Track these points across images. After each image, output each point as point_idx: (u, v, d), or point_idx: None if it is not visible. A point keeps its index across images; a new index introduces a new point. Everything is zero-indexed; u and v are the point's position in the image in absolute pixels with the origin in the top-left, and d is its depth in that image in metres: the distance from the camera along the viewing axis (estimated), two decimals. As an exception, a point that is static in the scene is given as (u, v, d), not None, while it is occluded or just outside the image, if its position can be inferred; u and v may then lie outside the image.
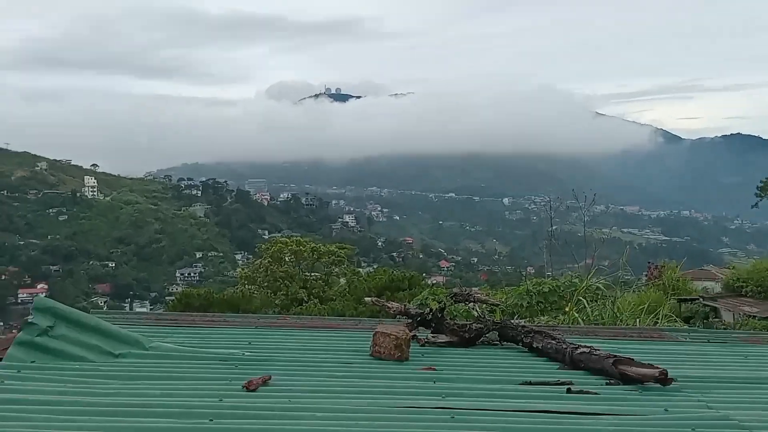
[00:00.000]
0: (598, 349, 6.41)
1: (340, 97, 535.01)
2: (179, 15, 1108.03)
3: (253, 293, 42.59)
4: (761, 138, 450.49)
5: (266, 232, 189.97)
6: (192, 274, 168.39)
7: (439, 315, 7.75)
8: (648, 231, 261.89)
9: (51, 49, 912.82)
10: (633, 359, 6.00)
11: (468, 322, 7.71)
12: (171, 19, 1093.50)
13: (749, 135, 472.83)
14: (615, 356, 6.07)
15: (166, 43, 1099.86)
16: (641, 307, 14.18)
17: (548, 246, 18.09)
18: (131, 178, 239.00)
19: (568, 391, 5.44)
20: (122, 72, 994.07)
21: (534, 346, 7.13)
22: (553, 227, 18.03)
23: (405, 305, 8.65)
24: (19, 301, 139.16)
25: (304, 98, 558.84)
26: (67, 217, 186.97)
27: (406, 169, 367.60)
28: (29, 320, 5.97)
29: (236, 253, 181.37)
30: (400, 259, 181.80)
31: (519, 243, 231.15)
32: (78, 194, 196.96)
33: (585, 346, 6.54)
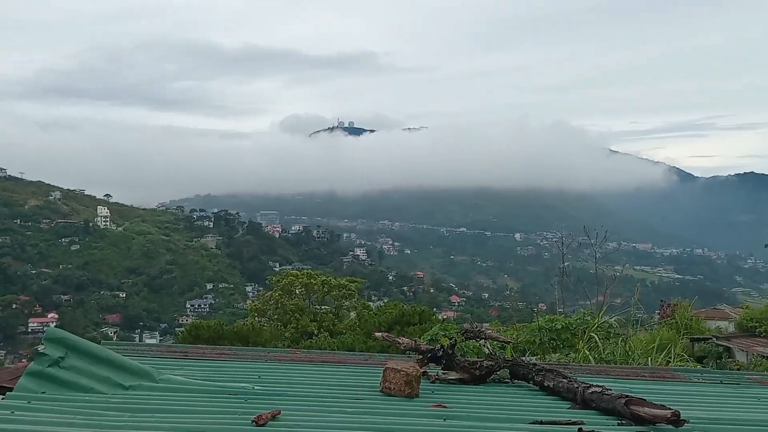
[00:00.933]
0: (610, 389, 6.37)
1: (354, 130, 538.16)
2: (193, 48, 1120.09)
3: (263, 326, 42.48)
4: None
5: (277, 265, 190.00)
6: (202, 306, 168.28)
7: (450, 351, 7.72)
8: (661, 269, 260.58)
9: (66, 79, 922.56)
10: (645, 400, 5.95)
11: (479, 359, 7.68)
12: (185, 52, 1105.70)
13: (762, 174, 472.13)
14: (627, 396, 6.02)
15: (181, 76, 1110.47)
16: (653, 345, 14.08)
17: (560, 282, 17.99)
18: (144, 209, 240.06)
19: (580, 431, 5.40)
20: (136, 103, 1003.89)
21: (545, 384, 7.09)
22: (565, 264, 17.92)
23: (415, 341, 8.63)
24: (30, 330, 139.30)
25: (318, 131, 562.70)
26: (79, 246, 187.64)
27: (418, 203, 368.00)
28: (41, 350, 5.98)
29: (247, 285, 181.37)
30: (411, 294, 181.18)
31: (530, 279, 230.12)
32: (90, 224, 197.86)
33: (597, 386, 6.49)
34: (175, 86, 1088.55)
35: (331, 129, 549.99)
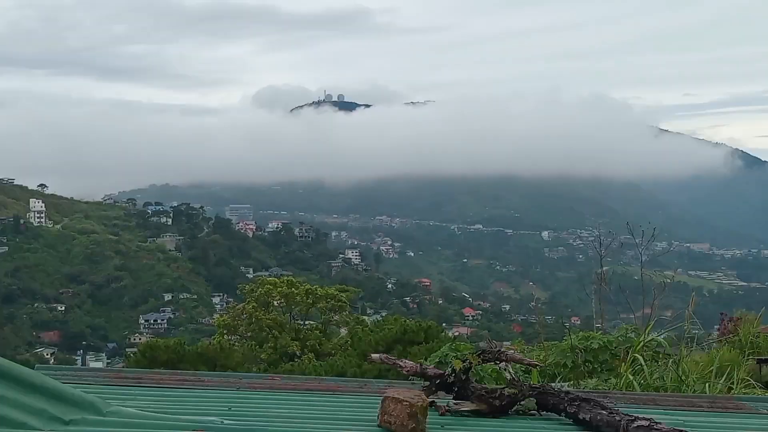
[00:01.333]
0: (660, 423, 6.38)
1: (345, 105, 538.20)
2: (149, 4, 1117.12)
3: (234, 345, 42.57)
4: None
5: (251, 270, 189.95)
6: (159, 321, 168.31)
7: (463, 377, 7.73)
8: (721, 274, 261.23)
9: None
10: (702, 435, 5.96)
11: (498, 387, 7.69)
12: (138, 10, 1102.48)
13: None
14: (680, 431, 6.03)
15: (133, 39, 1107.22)
16: (712, 368, 14.07)
17: (597, 291, 17.96)
18: (87, 202, 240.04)
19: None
20: (79, 73, 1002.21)
21: (580, 417, 7.10)
22: (604, 268, 17.89)
23: (421, 364, 8.64)
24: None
25: (301, 106, 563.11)
26: (7, 248, 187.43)
27: (424, 195, 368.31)
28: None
29: (213, 296, 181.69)
30: (415, 306, 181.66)
31: (561, 287, 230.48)
32: (22, 221, 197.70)
33: (643, 418, 6.51)
34: (126, 51, 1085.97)
35: (317, 103, 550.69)
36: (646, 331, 14.92)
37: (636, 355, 14.23)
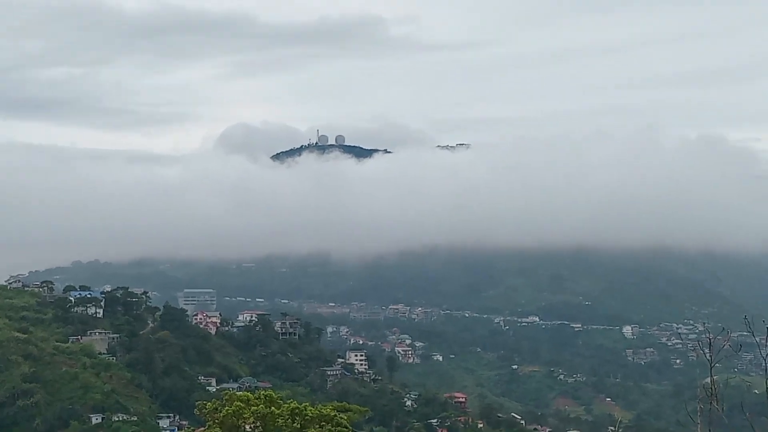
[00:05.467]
0: None
1: (351, 150, 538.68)
2: (73, 11, 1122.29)
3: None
4: None
5: (213, 381, 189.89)
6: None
7: None
8: None
9: None
10: None
11: None
12: (58, 19, 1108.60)
13: None
14: None
15: (51, 59, 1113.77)
16: None
17: (703, 411, 17.76)
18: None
19: None
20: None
21: None
22: (714, 377, 17.70)
23: None
24: None
25: (287, 152, 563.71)
26: None
27: (457, 274, 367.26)
28: None
29: (161, 417, 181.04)
30: (445, 431, 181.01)
31: (651, 404, 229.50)
32: None
33: None
34: (41, 76, 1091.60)
35: (319, 147, 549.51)
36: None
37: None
